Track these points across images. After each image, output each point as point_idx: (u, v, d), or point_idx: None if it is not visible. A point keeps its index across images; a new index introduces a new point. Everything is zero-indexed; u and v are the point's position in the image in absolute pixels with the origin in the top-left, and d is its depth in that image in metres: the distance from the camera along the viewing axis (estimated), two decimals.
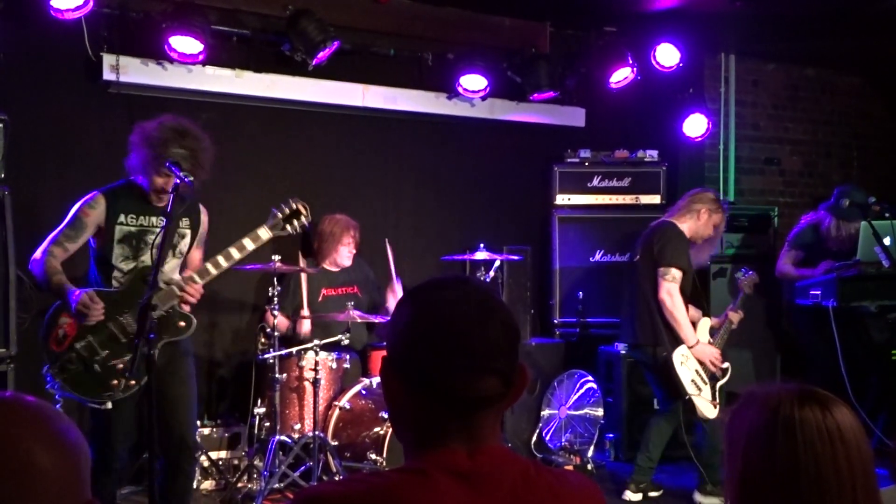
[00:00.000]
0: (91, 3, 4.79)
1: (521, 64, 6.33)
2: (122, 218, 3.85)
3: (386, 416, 4.72)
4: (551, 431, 5.97)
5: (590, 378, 5.99)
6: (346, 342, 4.99)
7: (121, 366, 3.71)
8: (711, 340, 5.16)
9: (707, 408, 5.00)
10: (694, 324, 5.12)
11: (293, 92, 5.76)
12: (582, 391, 5.96)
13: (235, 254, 3.95)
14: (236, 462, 5.18)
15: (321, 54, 5.49)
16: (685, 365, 5.00)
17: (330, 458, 4.83)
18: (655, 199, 6.62)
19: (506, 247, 5.99)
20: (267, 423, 4.96)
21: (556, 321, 6.59)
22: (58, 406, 3.79)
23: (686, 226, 5.18)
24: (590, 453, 5.81)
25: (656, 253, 5.05)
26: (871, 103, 8.39)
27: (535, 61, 6.33)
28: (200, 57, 5.20)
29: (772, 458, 1.48)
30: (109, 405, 3.71)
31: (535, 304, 6.52)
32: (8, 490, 1.07)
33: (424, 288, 1.48)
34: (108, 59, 5.15)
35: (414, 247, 6.33)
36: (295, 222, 4.15)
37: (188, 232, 4.02)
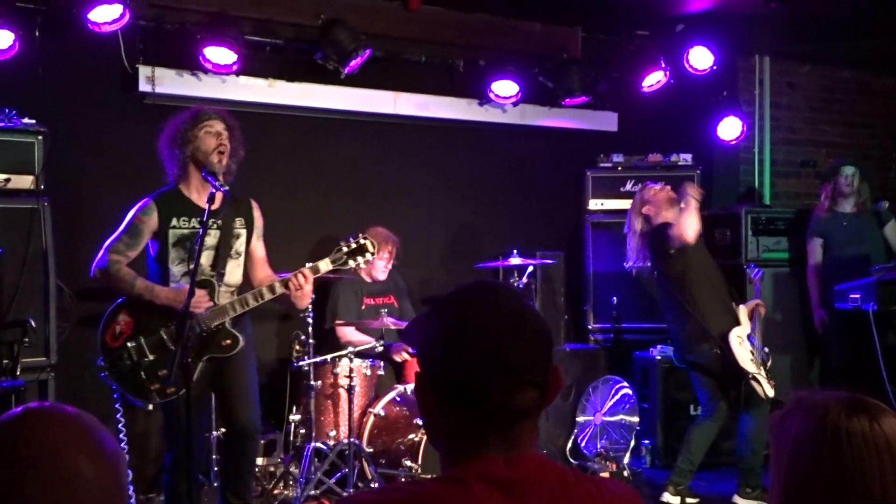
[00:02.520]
0: (127, 16, 4.85)
1: (552, 69, 6.31)
2: (174, 222, 3.93)
3: (420, 422, 4.72)
4: (587, 438, 5.93)
5: (625, 384, 5.95)
6: (381, 349, 5.00)
7: (163, 372, 3.77)
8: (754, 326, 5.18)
9: (767, 386, 5.02)
10: (735, 311, 5.19)
11: (325, 100, 5.79)
12: (617, 397, 5.92)
13: (279, 288, 3.98)
14: (272, 469, 5.20)
15: (353, 62, 5.52)
16: (742, 345, 5.02)
17: (365, 465, 4.84)
18: None
19: (539, 252, 5.96)
20: (302, 430, 4.98)
21: (590, 327, 6.56)
22: (115, 395, 4.06)
23: (658, 220, 5.24)
24: (626, 460, 5.76)
25: (655, 255, 5.19)
26: None
27: (566, 66, 6.31)
28: (234, 67, 5.25)
29: (817, 468, 1.45)
30: (150, 407, 3.86)
31: (569, 310, 6.49)
32: (57, 499, 1.09)
33: (454, 299, 1.46)
34: (143, 71, 5.22)
35: (447, 253, 6.34)
36: (359, 258, 4.13)
37: (243, 231, 4.07)
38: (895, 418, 1.46)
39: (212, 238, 3.94)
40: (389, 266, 5.58)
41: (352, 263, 4.13)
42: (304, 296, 4.04)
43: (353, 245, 4.13)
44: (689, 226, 4.99)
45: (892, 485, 1.41)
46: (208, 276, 3.91)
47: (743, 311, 5.19)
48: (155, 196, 3.99)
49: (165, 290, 3.88)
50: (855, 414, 1.45)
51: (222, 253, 3.97)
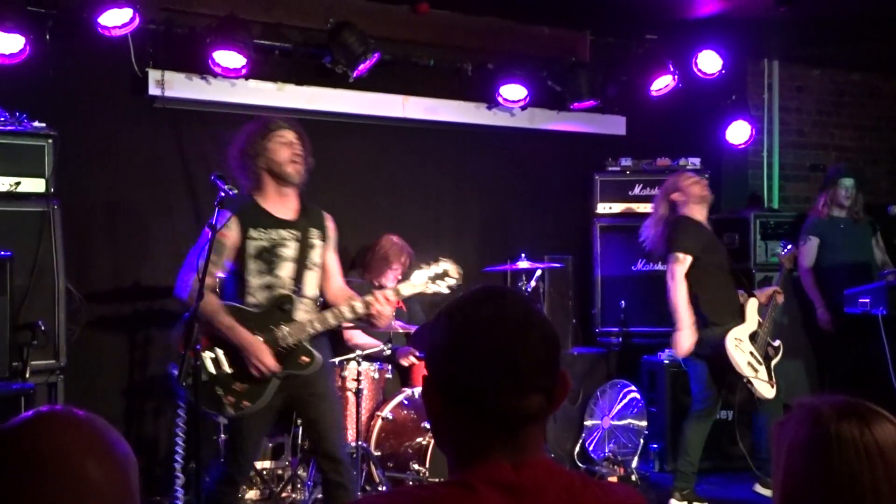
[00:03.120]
0: (137, 20, 4.87)
1: (561, 73, 6.32)
2: (251, 233, 3.82)
3: (428, 426, 4.72)
4: (594, 442, 5.93)
5: (633, 388, 5.94)
6: (388, 352, 5.00)
7: (238, 385, 3.74)
8: (762, 320, 5.18)
9: (765, 388, 5.07)
10: (742, 306, 5.20)
11: (334, 104, 5.81)
12: (625, 401, 5.92)
13: (360, 309, 3.89)
14: (280, 472, 5.21)
15: (362, 66, 5.53)
16: (739, 348, 5.04)
17: (373, 469, 4.84)
18: None
19: (547, 256, 5.97)
20: None
21: (598, 330, 6.55)
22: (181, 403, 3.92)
23: (684, 210, 5.26)
24: (634, 464, 5.76)
25: (668, 244, 5.20)
26: None
27: (575, 70, 6.31)
28: (243, 71, 5.27)
29: (810, 473, 1.45)
30: (224, 421, 3.78)
31: (577, 314, 6.49)
32: (65, 503, 1.09)
33: (461, 304, 1.46)
34: (153, 75, 5.24)
35: (455, 256, 6.31)
36: (441, 283, 4.03)
37: (319, 242, 3.98)
38: (889, 423, 1.46)
39: (289, 250, 3.86)
40: (398, 277, 5.56)
41: (433, 288, 4.03)
42: (385, 317, 3.94)
43: (436, 270, 4.04)
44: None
45: (884, 490, 1.40)
46: (288, 290, 3.84)
47: (752, 305, 5.20)
48: (233, 209, 3.81)
49: (244, 336, 3.73)
50: (846, 419, 1.44)
51: (301, 265, 3.88)
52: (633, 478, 5.62)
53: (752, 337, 5.14)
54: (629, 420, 5.88)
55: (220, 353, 3.77)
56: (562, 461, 5.68)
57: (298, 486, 4.96)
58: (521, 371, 1.36)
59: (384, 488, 4.71)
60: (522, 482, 1.36)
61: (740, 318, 5.15)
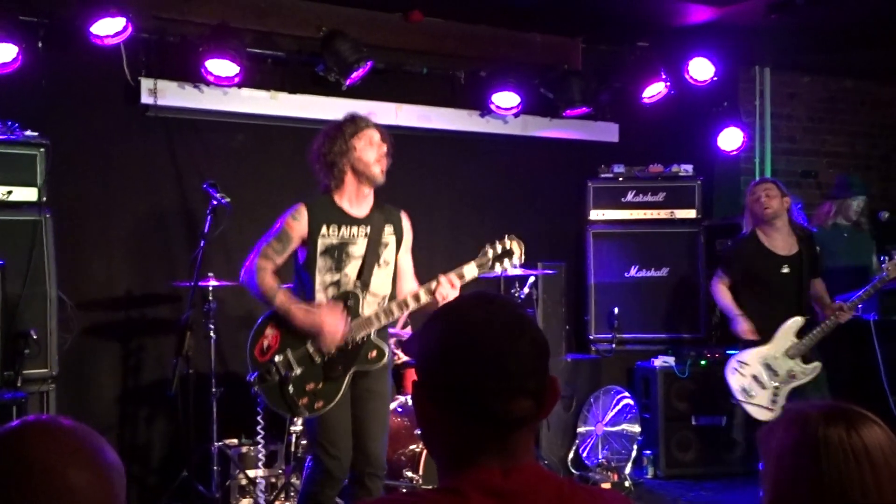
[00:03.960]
0: (130, 29, 4.88)
1: (553, 80, 6.33)
2: (323, 230, 3.79)
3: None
4: (588, 448, 5.93)
5: (626, 394, 5.95)
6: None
7: (311, 385, 3.72)
8: (795, 340, 5.03)
9: (758, 412, 5.01)
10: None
11: (327, 112, 5.76)
12: (618, 407, 5.92)
13: (424, 297, 3.85)
14: (274, 480, 5.20)
15: (355, 74, 5.54)
16: (739, 371, 5.05)
17: None
18: (691, 213, 6.57)
19: (540, 263, 5.97)
20: (304, 441, 4.97)
21: (591, 337, 6.56)
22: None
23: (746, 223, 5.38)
24: (627, 470, 5.75)
25: None
26: None
27: (567, 77, 6.33)
28: (236, 79, 5.27)
29: (798, 476, 1.46)
30: (299, 422, 3.74)
31: (571, 320, 6.49)
32: None
33: (451, 308, 1.48)
34: (146, 83, 5.25)
35: (448, 264, 6.32)
36: (506, 261, 3.94)
37: (392, 239, 3.94)
38: (877, 426, 1.47)
39: (359, 247, 3.82)
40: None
41: (498, 269, 3.96)
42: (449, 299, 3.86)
43: (500, 249, 3.96)
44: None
45: (872, 492, 1.41)
46: (353, 288, 3.80)
47: (787, 325, 5.05)
48: (307, 201, 3.85)
49: (300, 314, 3.70)
50: (833, 423, 1.45)
51: (369, 262, 3.83)
52: (627, 484, 5.62)
53: (776, 357, 5.05)
54: (623, 426, 5.89)
55: (289, 353, 3.74)
56: (556, 468, 5.68)
57: (292, 493, 4.94)
58: (510, 375, 1.37)
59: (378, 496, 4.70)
60: (512, 487, 1.37)
61: (762, 339, 5.07)
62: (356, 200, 3.87)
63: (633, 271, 6.58)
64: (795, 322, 5.05)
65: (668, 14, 6.16)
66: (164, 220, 5.44)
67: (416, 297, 3.84)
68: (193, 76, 5.28)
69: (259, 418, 4.85)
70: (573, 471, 5.87)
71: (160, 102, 5.28)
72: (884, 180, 8.04)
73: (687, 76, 6.39)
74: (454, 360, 1.39)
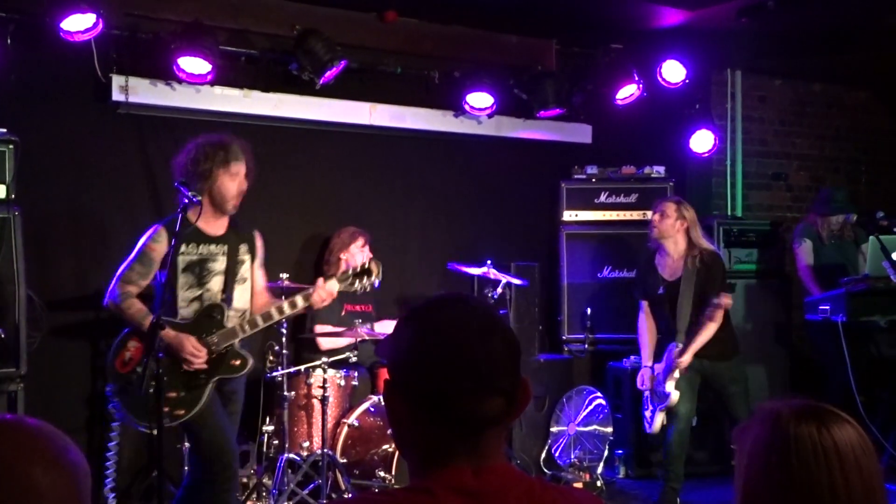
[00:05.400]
0: (100, 25, 4.83)
1: (527, 81, 6.35)
2: (183, 248, 3.94)
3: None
4: (560, 448, 5.95)
5: (599, 394, 5.98)
6: (354, 359, 4.99)
7: (173, 394, 3.81)
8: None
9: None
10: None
11: (301, 111, 5.79)
12: (591, 407, 5.95)
13: (300, 302, 4.11)
14: (245, 480, 5.17)
15: (328, 73, 5.53)
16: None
17: (339, 476, 4.82)
18: None
19: (513, 263, 5.99)
20: (276, 441, 4.96)
21: (564, 337, 6.58)
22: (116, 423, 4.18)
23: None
24: (599, 470, 5.79)
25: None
26: (879, 118, 8.39)
27: (541, 78, 6.35)
28: (209, 77, 5.23)
29: (769, 475, 1.46)
30: (155, 432, 3.75)
31: (544, 321, 6.51)
32: None
33: (424, 308, 1.48)
34: (117, 80, 5.20)
35: (421, 264, 6.34)
36: (365, 280, 4.21)
37: (247, 257, 4.16)
38: (850, 425, 1.48)
39: (219, 264, 4.02)
40: (370, 254, 5.53)
41: (357, 286, 4.21)
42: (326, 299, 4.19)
43: (359, 268, 4.23)
44: None
45: (841, 491, 1.42)
46: (218, 301, 3.99)
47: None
48: (165, 223, 3.99)
49: (171, 335, 3.84)
50: (804, 421, 1.46)
51: (230, 278, 4.04)
52: (599, 483, 5.65)
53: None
54: (595, 426, 5.92)
55: (152, 363, 3.75)
56: (528, 467, 5.69)
57: (264, 494, 4.92)
58: (481, 374, 1.38)
59: (349, 496, 4.70)
60: (482, 487, 1.38)
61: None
62: (211, 220, 4.03)
63: (605, 272, 6.61)
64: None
65: (640, 17, 6.19)
66: (136, 218, 5.38)
67: (293, 304, 4.10)
68: (166, 74, 5.24)
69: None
70: (546, 470, 5.89)
71: (131, 100, 5.23)
72: (852, 182, 8.14)
73: (659, 78, 6.44)
74: (426, 360, 1.40)
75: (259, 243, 4.26)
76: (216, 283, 3.99)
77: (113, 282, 3.94)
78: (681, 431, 5.21)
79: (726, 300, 5.23)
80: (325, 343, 5.30)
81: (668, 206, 5.36)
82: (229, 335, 3.97)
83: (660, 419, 5.28)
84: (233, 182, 4.00)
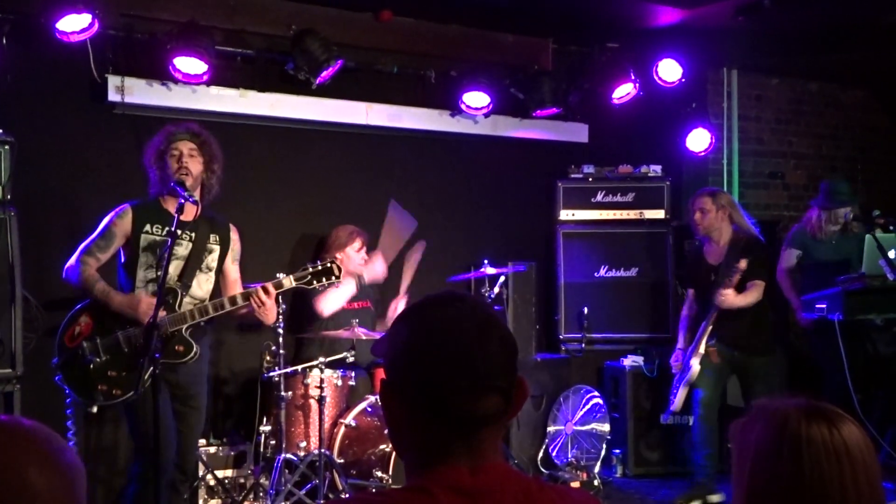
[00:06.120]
0: (96, 26, 4.83)
1: (523, 80, 6.36)
2: (147, 227, 4.00)
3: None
4: (558, 447, 5.95)
5: (596, 393, 5.98)
6: (351, 359, 4.99)
7: (113, 373, 3.86)
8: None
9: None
10: None
11: (297, 111, 5.79)
12: (588, 407, 5.95)
13: (240, 300, 4.09)
14: (242, 480, 5.18)
15: (325, 73, 5.52)
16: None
17: (336, 476, 4.82)
18: (659, 213, 6.63)
19: (511, 262, 5.99)
20: (272, 442, 4.95)
21: (561, 336, 6.58)
22: (68, 401, 4.25)
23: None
24: (596, 469, 5.79)
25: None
26: (876, 117, 8.40)
27: (537, 78, 6.36)
28: (205, 77, 5.23)
29: (777, 476, 1.46)
30: (94, 409, 3.90)
31: (541, 320, 6.51)
32: None
33: (421, 307, 1.48)
34: (113, 81, 5.19)
35: (419, 264, 6.33)
36: (324, 279, 4.22)
37: (217, 248, 4.16)
38: (854, 424, 1.48)
39: (183, 249, 4.03)
40: (364, 256, 5.53)
41: (315, 284, 4.23)
42: (268, 311, 4.16)
43: (319, 267, 4.22)
44: None
45: (851, 491, 1.42)
46: (174, 285, 3.98)
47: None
48: (133, 203, 4.09)
49: (119, 297, 3.95)
50: (814, 421, 1.46)
51: (192, 264, 4.05)
52: (596, 483, 5.65)
53: None
54: (592, 425, 5.92)
55: (98, 341, 3.91)
56: (526, 466, 5.70)
57: (261, 494, 4.93)
58: (477, 371, 1.37)
59: (346, 496, 4.69)
60: (479, 486, 1.37)
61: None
62: (174, 204, 4.00)
63: (602, 271, 6.61)
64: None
65: (637, 16, 6.19)
66: None
67: (233, 301, 4.08)
68: (162, 74, 5.24)
69: (228, 419, 4.83)
70: (543, 470, 5.89)
71: (127, 100, 5.23)
72: (848, 181, 8.14)
73: (656, 77, 6.44)
74: (422, 359, 1.40)
75: (234, 237, 4.28)
76: (175, 268, 4.00)
77: (74, 254, 4.04)
78: (702, 418, 5.28)
79: (756, 284, 5.37)
80: (326, 309, 5.29)
81: (705, 202, 5.52)
82: (178, 320, 3.96)
83: (682, 394, 5.36)
84: (172, 160, 4.04)
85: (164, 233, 4.00)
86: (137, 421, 3.93)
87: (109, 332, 3.93)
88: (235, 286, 4.28)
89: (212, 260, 4.14)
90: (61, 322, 4.08)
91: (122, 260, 4.08)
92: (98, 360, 3.90)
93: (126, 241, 4.04)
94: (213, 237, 4.15)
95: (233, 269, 4.28)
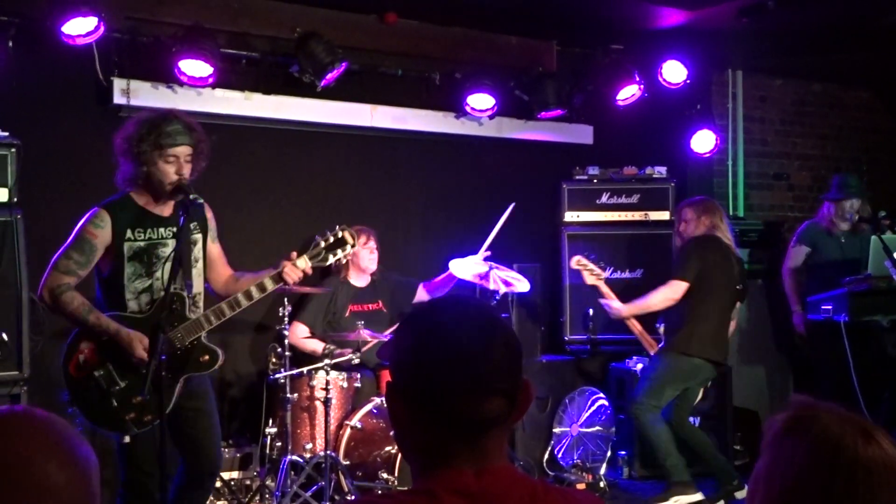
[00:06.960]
0: (102, 29, 4.84)
1: (528, 82, 6.36)
2: (129, 234, 3.62)
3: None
4: (563, 449, 5.95)
5: (601, 395, 5.98)
6: (357, 361, 4.99)
7: (138, 399, 3.49)
8: None
9: None
10: None
11: (302, 113, 5.80)
12: (593, 408, 5.95)
13: (270, 285, 3.77)
14: (248, 482, 5.19)
15: (329, 75, 5.53)
16: None
17: (342, 478, 4.83)
18: (664, 215, 6.62)
19: (515, 264, 5.99)
20: (278, 443, 4.96)
21: (566, 338, 6.57)
22: (79, 430, 3.80)
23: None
24: (602, 471, 5.79)
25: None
26: (880, 117, 8.39)
27: (542, 79, 6.35)
28: (210, 80, 5.24)
29: (826, 499, 1.29)
30: (127, 439, 3.53)
31: (546, 322, 6.51)
32: None
33: (424, 310, 1.50)
34: (118, 84, 5.20)
35: (422, 265, 6.34)
36: (339, 252, 3.87)
37: (199, 236, 3.83)
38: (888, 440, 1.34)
39: (169, 248, 3.66)
40: (375, 254, 5.53)
41: (331, 259, 3.87)
42: (298, 274, 3.82)
43: (331, 239, 3.88)
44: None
45: None
46: (177, 290, 3.61)
47: None
48: (105, 205, 3.65)
49: (124, 331, 3.53)
50: (870, 443, 1.30)
51: (185, 262, 3.67)
52: (602, 484, 5.65)
53: None
54: (597, 427, 5.92)
55: (110, 367, 3.56)
56: (531, 468, 5.69)
57: (267, 496, 4.93)
58: (481, 374, 1.38)
59: (352, 498, 4.70)
60: (484, 489, 1.38)
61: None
62: (153, 202, 3.72)
63: (607, 273, 6.59)
64: None
65: (641, 17, 6.20)
66: None
67: (262, 287, 3.73)
68: (167, 76, 5.25)
69: (234, 421, 4.83)
70: (548, 471, 5.89)
71: (133, 103, 5.23)
72: (859, 176, 8.15)
73: (660, 79, 6.44)
74: (427, 361, 1.40)
75: (209, 215, 3.90)
76: (167, 270, 3.59)
77: (46, 272, 3.60)
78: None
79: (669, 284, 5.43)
80: (293, 340, 5.13)
81: (685, 211, 5.57)
82: (194, 328, 3.64)
83: None
84: (170, 166, 3.63)
85: (147, 237, 3.65)
86: (174, 432, 3.64)
87: (120, 356, 3.55)
88: (223, 264, 3.95)
89: (198, 250, 3.80)
90: (68, 325, 4.04)
91: (105, 273, 3.65)
92: (117, 387, 3.55)
93: (106, 250, 3.61)
94: (192, 226, 3.73)
95: (214, 248, 3.92)
